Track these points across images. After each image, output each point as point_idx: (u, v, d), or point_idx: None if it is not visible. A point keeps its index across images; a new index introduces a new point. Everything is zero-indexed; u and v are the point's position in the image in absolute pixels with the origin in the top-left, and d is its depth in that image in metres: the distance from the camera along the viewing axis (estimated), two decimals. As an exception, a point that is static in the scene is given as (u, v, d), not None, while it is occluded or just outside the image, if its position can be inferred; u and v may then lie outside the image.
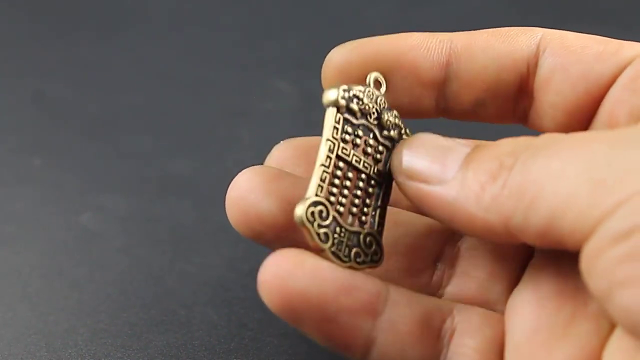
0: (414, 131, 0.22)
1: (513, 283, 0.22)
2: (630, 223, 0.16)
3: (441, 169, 0.20)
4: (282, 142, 0.24)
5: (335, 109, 0.22)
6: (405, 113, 0.23)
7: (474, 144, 0.20)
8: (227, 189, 0.31)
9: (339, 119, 0.22)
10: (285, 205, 0.21)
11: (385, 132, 0.23)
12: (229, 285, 0.27)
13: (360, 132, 0.23)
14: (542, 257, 0.21)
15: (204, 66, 0.39)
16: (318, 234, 0.22)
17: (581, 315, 0.20)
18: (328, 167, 0.22)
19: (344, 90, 0.22)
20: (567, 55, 0.21)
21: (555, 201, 0.18)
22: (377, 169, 0.23)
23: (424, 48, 0.22)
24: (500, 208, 0.19)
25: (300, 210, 0.21)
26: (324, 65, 0.23)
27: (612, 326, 0.19)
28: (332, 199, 0.22)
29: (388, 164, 0.23)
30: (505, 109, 0.23)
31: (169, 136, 0.35)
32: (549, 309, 0.20)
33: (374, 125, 0.23)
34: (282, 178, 0.22)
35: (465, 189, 0.19)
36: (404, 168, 0.21)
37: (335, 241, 0.22)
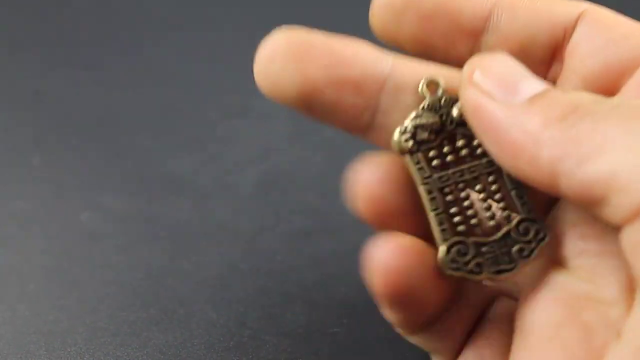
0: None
1: None
2: None
3: (509, 92, 0.20)
4: (278, 33, 0.23)
5: (408, 155, 0.22)
6: (436, 56, 0.23)
7: (549, 85, 0.20)
8: (226, 189, 0.31)
9: (418, 159, 0.22)
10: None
11: (461, 128, 0.22)
12: (228, 284, 0.27)
13: (446, 148, 0.22)
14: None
15: (204, 66, 0.39)
16: (471, 271, 0.21)
17: None
18: (438, 208, 0.22)
19: (403, 133, 0.22)
20: (599, 28, 0.22)
21: (616, 161, 0.17)
22: (485, 161, 0.22)
23: None
24: (556, 147, 0.18)
25: (444, 266, 0.21)
26: (372, 3, 0.23)
27: None
28: (462, 228, 0.22)
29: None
30: (537, 72, 0.22)
31: (168, 136, 0.35)
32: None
33: (454, 127, 0.22)
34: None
35: (527, 118, 0.19)
36: (473, 77, 0.20)
37: (489, 261, 0.22)
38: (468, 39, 0.22)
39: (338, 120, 0.22)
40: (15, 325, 0.26)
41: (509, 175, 0.22)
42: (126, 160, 0.33)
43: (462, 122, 0.22)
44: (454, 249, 0.21)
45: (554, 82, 0.23)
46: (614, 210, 0.18)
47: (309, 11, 0.43)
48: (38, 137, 0.35)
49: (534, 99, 0.20)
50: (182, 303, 0.27)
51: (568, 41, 0.22)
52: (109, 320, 0.26)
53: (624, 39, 0.21)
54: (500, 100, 0.20)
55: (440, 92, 0.22)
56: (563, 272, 0.21)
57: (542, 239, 0.22)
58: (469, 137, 0.22)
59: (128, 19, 0.43)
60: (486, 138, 0.20)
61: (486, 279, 0.21)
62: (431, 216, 0.22)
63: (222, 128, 0.35)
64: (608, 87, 0.21)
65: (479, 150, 0.22)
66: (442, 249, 0.21)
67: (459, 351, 0.23)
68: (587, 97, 0.19)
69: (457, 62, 0.23)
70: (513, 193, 0.22)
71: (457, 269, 0.21)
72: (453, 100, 0.22)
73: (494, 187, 0.22)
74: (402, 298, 0.21)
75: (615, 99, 0.19)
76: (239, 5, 0.44)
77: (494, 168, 0.22)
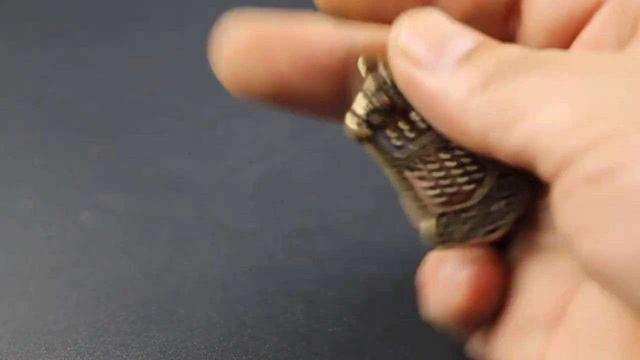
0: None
1: None
2: (605, 164, 0.15)
3: (435, 57, 0.19)
4: (237, 24, 0.22)
5: (367, 144, 0.21)
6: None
7: (479, 40, 0.19)
8: (226, 189, 0.31)
9: (378, 144, 0.21)
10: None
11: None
12: (229, 284, 0.27)
13: (402, 124, 0.21)
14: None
15: (203, 65, 0.39)
16: (462, 240, 0.21)
17: None
18: (411, 189, 0.21)
19: (355, 121, 0.21)
20: None
21: (536, 124, 0.17)
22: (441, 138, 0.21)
23: None
24: (483, 117, 0.18)
25: (433, 242, 0.21)
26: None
27: None
28: (440, 200, 0.21)
29: None
30: (493, 29, 0.21)
31: (168, 135, 0.35)
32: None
33: (404, 101, 0.21)
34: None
35: (454, 87, 0.19)
36: (400, 44, 0.20)
37: (477, 225, 0.21)
38: (419, 4, 0.21)
39: (312, 109, 0.22)
40: (15, 325, 0.26)
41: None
42: (126, 160, 0.33)
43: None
44: (439, 223, 0.21)
45: (513, 38, 0.22)
46: (542, 172, 0.17)
47: (309, 10, 0.43)
48: (38, 137, 0.35)
49: (461, 62, 0.19)
50: (182, 303, 0.27)
51: None
52: (109, 320, 0.26)
53: None
54: (428, 66, 0.19)
55: (380, 69, 0.21)
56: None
57: (520, 189, 0.21)
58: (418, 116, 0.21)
59: (128, 19, 0.43)
60: (419, 108, 0.20)
61: (478, 243, 0.21)
62: (407, 196, 0.21)
63: (222, 128, 0.35)
64: (572, 36, 0.21)
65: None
66: (428, 225, 0.21)
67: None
68: (513, 54, 0.19)
69: None
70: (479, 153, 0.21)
71: (447, 241, 0.21)
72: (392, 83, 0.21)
73: (459, 152, 0.21)
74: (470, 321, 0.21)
75: (543, 52, 0.19)
76: (239, 5, 0.44)
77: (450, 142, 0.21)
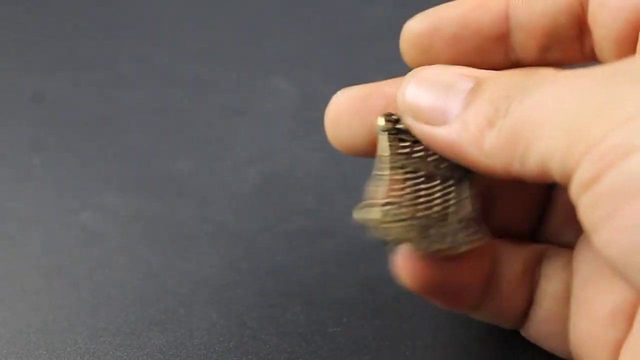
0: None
1: None
2: (592, 172, 0.17)
3: (443, 110, 0.21)
4: (339, 92, 0.25)
5: (385, 135, 0.23)
6: None
7: (477, 77, 0.21)
8: (226, 189, 0.31)
9: (392, 140, 0.23)
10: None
11: None
12: (228, 285, 0.27)
13: (417, 147, 0.23)
14: None
15: (204, 65, 0.39)
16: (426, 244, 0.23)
17: None
18: (390, 179, 0.23)
19: (386, 115, 0.23)
20: None
21: (542, 148, 0.18)
22: (447, 167, 0.23)
23: (483, 6, 0.23)
24: (499, 155, 0.19)
25: (381, 221, 0.22)
26: (400, 40, 0.24)
27: None
28: (408, 203, 0.23)
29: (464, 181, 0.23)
30: (572, 51, 0.23)
31: (168, 135, 0.35)
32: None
33: None
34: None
35: (466, 133, 0.20)
36: (408, 105, 0.22)
37: (422, 235, 0.23)
38: (498, 46, 0.23)
39: None
40: (15, 325, 0.26)
41: (465, 183, 0.23)
42: (126, 160, 0.33)
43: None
44: (389, 208, 0.23)
45: (594, 54, 0.23)
46: (563, 186, 0.18)
47: (309, 10, 0.43)
48: (38, 137, 0.35)
49: (464, 106, 0.20)
50: (182, 303, 0.27)
51: (587, 8, 0.22)
52: (109, 320, 0.26)
53: None
54: (439, 122, 0.21)
55: None
56: None
57: (477, 239, 0.23)
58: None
59: (128, 19, 0.43)
60: (449, 158, 0.22)
61: (412, 248, 0.23)
62: (381, 177, 0.23)
63: (222, 128, 0.35)
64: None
65: (443, 165, 0.23)
66: (379, 209, 0.23)
67: (524, 314, 0.24)
68: (501, 89, 0.20)
69: (496, 69, 0.23)
70: (467, 198, 0.23)
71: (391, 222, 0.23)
72: None
73: (448, 190, 0.23)
74: (435, 293, 0.23)
75: (532, 75, 0.20)
76: (239, 5, 0.44)
77: (455, 174, 0.23)
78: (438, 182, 0.23)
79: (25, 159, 0.33)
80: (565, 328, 0.23)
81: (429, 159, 0.24)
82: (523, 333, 0.24)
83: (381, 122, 0.23)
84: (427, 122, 0.21)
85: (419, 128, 0.22)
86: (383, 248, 0.24)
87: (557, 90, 0.19)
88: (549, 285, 0.23)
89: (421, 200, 0.23)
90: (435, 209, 0.23)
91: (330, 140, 0.25)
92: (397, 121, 0.23)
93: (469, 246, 0.23)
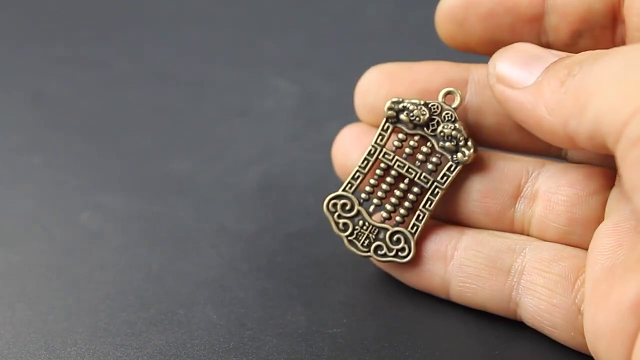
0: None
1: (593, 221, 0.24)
2: None
3: (525, 76, 0.22)
4: (371, 68, 0.27)
5: (384, 119, 0.25)
6: None
7: (560, 55, 0.22)
8: (226, 189, 0.31)
9: (387, 127, 0.25)
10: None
11: (442, 143, 0.25)
12: (228, 285, 0.27)
13: (413, 142, 0.25)
14: (619, 191, 0.23)
15: (203, 65, 0.39)
16: (337, 223, 0.25)
17: None
18: (364, 168, 0.25)
19: (394, 103, 0.25)
20: None
21: (599, 104, 0.19)
22: (425, 176, 0.25)
23: None
24: (561, 111, 0.21)
25: (325, 202, 0.25)
26: (436, 12, 0.26)
27: None
28: (364, 196, 0.25)
29: (442, 173, 0.25)
30: (603, 39, 0.24)
31: (168, 136, 0.35)
32: (626, 246, 0.21)
33: (432, 135, 0.25)
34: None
35: (539, 93, 0.22)
36: (496, 72, 0.23)
37: (356, 232, 0.25)
38: (531, 26, 0.24)
39: None
40: (15, 325, 0.26)
41: (430, 199, 0.25)
42: (126, 160, 0.33)
43: (441, 138, 0.25)
44: (342, 200, 0.26)
45: (624, 44, 0.24)
46: (610, 147, 0.19)
47: (309, 10, 0.43)
48: (38, 137, 0.35)
49: (543, 75, 0.22)
50: (182, 304, 0.27)
51: (623, 0, 0.23)
52: (109, 321, 0.26)
53: None
54: (519, 85, 0.22)
55: (455, 103, 0.25)
56: None
57: (402, 257, 0.25)
58: (436, 153, 0.25)
59: (128, 19, 0.43)
60: (519, 121, 0.23)
61: (341, 238, 0.25)
62: (354, 169, 0.25)
63: (222, 128, 0.35)
64: None
65: (430, 166, 0.25)
66: (335, 194, 0.26)
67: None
68: (580, 57, 0.21)
69: None
70: (417, 212, 0.25)
71: (331, 214, 0.26)
72: (451, 118, 0.25)
73: (411, 196, 0.25)
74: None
75: (604, 50, 0.21)
76: (239, 4, 0.44)
77: (426, 185, 0.25)
78: (405, 184, 0.25)
79: (25, 159, 0.33)
80: (571, 319, 0.23)
81: (418, 156, 0.25)
82: (524, 320, 0.24)
83: (386, 105, 0.25)
84: (508, 85, 0.23)
85: (499, 90, 0.23)
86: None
87: (623, 58, 0.20)
88: (541, 278, 0.24)
89: (379, 201, 0.25)
90: (384, 214, 0.25)
91: (357, 109, 0.26)
92: (402, 110, 0.25)
93: (386, 261, 0.25)
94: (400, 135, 0.25)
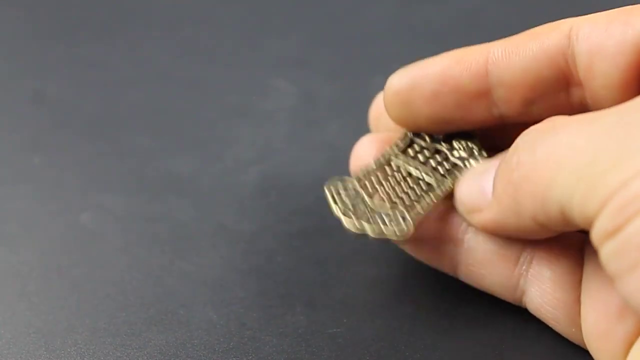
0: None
1: None
2: (613, 224, 0.17)
3: (483, 196, 0.22)
4: (363, 137, 0.27)
5: (406, 130, 0.26)
6: (456, 125, 0.25)
7: (495, 165, 0.22)
8: (226, 189, 0.31)
9: (404, 137, 0.26)
10: None
11: (456, 152, 0.25)
12: (228, 285, 0.27)
13: (426, 152, 0.26)
14: None
15: (204, 65, 0.39)
16: (335, 201, 0.25)
17: None
18: (376, 168, 0.25)
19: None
20: (597, 35, 0.22)
21: (560, 194, 0.19)
22: (435, 178, 0.25)
23: (462, 62, 0.24)
24: (523, 208, 0.20)
25: (328, 182, 0.25)
26: (383, 95, 0.25)
27: None
28: (370, 189, 0.25)
29: (448, 180, 0.25)
30: (558, 104, 0.23)
31: (168, 135, 0.35)
32: None
33: (448, 149, 0.25)
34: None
35: (501, 204, 0.21)
36: (458, 200, 0.24)
37: (353, 208, 0.25)
38: (479, 101, 0.24)
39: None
40: (15, 325, 0.26)
41: (433, 198, 0.25)
42: (126, 160, 0.33)
43: (457, 149, 0.25)
44: (348, 183, 0.25)
45: (584, 105, 0.23)
46: (590, 234, 0.19)
47: (309, 10, 0.43)
48: (38, 137, 0.35)
49: (495, 183, 0.22)
50: (182, 304, 0.27)
51: (574, 63, 0.22)
52: (109, 321, 0.26)
53: (627, 30, 0.21)
54: (483, 206, 0.23)
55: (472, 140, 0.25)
56: None
57: (398, 234, 0.24)
58: (446, 159, 0.25)
59: (128, 19, 0.43)
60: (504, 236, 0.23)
61: (338, 216, 0.25)
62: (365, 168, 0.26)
63: (222, 128, 0.35)
64: None
65: (441, 170, 0.25)
66: (342, 178, 0.25)
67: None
68: (512, 150, 0.21)
69: (479, 124, 0.25)
70: (421, 201, 0.25)
71: (332, 192, 0.25)
72: (466, 145, 0.25)
73: (417, 190, 0.25)
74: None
75: (541, 125, 0.21)
76: (239, 4, 0.44)
77: (434, 184, 0.25)
78: (416, 183, 0.25)
79: (25, 159, 0.33)
80: (573, 314, 0.23)
81: (431, 162, 0.26)
82: (530, 309, 0.25)
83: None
84: (476, 210, 0.23)
85: (473, 220, 0.23)
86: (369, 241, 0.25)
87: (569, 136, 0.19)
88: (548, 270, 0.23)
89: (384, 194, 0.25)
90: (395, 203, 0.25)
91: (352, 173, 0.27)
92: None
93: (382, 237, 0.24)
94: (416, 147, 0.26)
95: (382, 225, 0.24)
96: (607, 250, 0.18)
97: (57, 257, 0.29)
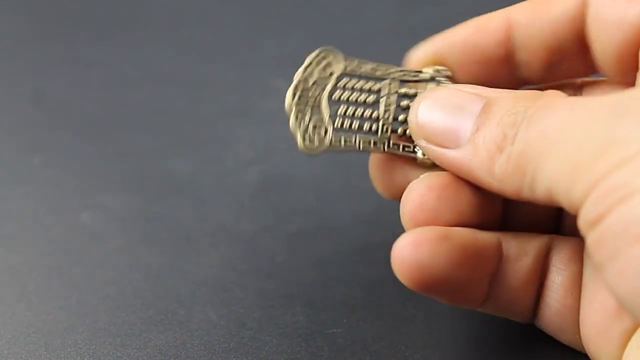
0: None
1: None
2: (596, 212, 0.17)
3: (455, 132, 0.21)
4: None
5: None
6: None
7: (487, 97, 0.21)
8: (226, 189, 0.31)
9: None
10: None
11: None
12: (228, 285, 0.27)
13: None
14: None
15: (203, 65, 0.39)
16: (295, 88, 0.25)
17: None
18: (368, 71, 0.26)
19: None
20: (604, 4, 0.22)
21: (548, 177, 0.19)
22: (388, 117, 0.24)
23: (483, 29, 0.24)
24: (509, 181, 0.20)
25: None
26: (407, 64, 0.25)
27: None
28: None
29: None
30: (577, 65, 0.23)
31: (168, 136, 0.35)
32: None
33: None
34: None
35: (477, 157, 0.21)
36: (418, 124, 0.22)
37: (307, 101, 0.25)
38: (503, 66, 0.24)
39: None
40: (15, 325, 0.26)
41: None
42: (126, 160, 0.33)
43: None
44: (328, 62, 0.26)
45: (595, 69, 0.23)
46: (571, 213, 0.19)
47: (309, 10, 0.43)
48: (38, 137, 0.35)
49: (474, 130, 0.21)
50: (182, 304, 0.27)
51: (586, 23, 0.23)
52: (109, 321, 0.26)
53: (630, 5, 0.21)
54: (452, 145, 0.21)
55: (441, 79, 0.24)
56: None
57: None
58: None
59: (128, 19, 0.43)
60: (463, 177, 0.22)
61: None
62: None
63: (222, 128, 0.35)
64: (636, 58, 0.22)
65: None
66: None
67: (535, 306, 0.24)
68: (508, 115, 0.20)
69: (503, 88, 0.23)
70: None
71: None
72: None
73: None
74: (433, 288, 0.22)
75: (541, 97, 0.20)
76: (239, 5, 0.44)
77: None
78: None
79: (25, 159, 0.33)
80: (578, 321, 0.23)
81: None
82: (537, 324, 0.24)
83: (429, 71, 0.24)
84: (440, 145, 0.22)
85: (431, 151, 0.22)
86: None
87: (561, 120, 0.19)
88: (559, 276, 0.23)
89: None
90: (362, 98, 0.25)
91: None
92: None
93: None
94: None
95: (309, 129, 0.25)
96: (590, 240, 0.18)
97: (57, 257, 0.29)
